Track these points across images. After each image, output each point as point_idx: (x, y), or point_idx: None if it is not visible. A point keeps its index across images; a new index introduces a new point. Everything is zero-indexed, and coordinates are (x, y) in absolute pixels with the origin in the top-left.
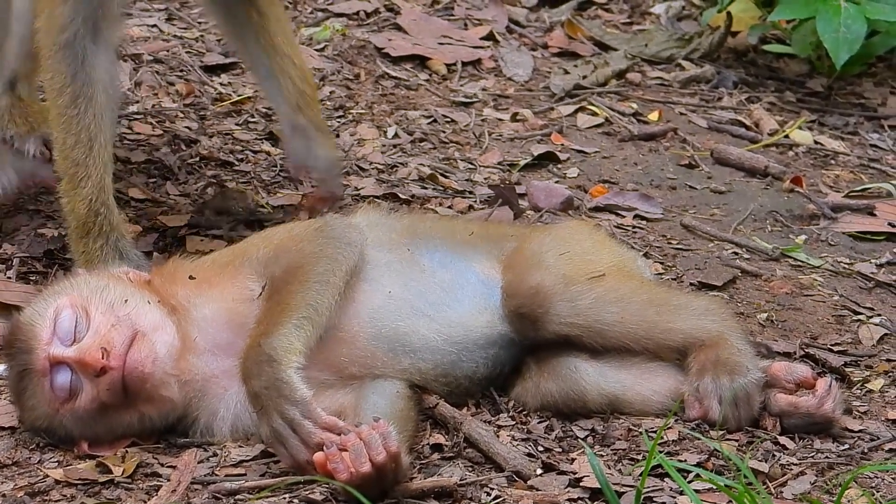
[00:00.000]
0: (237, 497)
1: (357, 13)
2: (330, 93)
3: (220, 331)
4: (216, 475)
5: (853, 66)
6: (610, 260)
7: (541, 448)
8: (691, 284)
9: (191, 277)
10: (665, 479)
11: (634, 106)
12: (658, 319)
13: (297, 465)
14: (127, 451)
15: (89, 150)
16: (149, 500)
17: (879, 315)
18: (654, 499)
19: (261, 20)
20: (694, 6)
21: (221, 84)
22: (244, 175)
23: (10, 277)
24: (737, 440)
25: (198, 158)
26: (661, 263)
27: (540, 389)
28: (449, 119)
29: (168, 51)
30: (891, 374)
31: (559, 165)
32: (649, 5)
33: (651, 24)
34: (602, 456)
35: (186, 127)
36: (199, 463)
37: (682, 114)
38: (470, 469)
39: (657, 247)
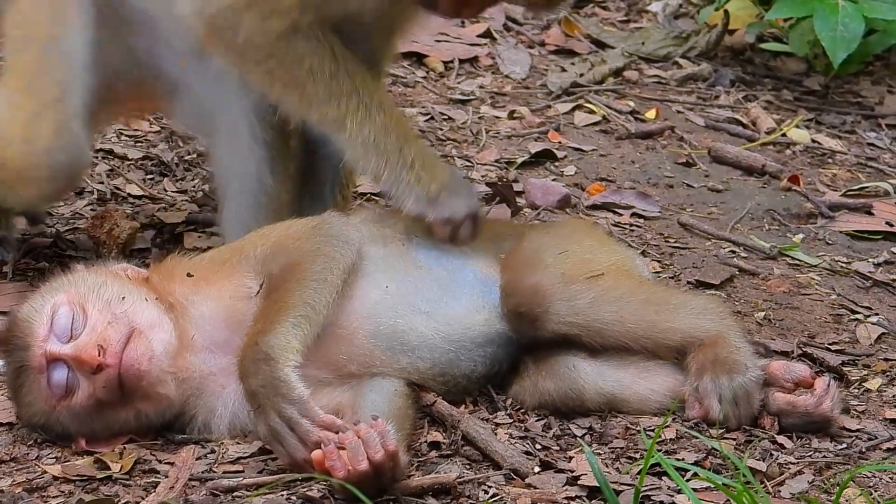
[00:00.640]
0: (235, 494)
1: None
2: None
3: (218, 328)
4: (214, 472)
5: (850, 65)
6: (608, 259)
7: (539, 446)
8: (689, 283)
9: (188, 275)
10: (663, 478)
11: (632, 104)
12: (656, 318)
13: (295, 464)
14: (125, 448)
15: None
16: (146, 496)
17: (877, 314)
18: (652, 497)
19: None
20: (691, 4)
21: None
22: None
23: (5, 272)
24: (735, 439)
25: (195, 155)
26: (659, 262)
27: (538, 388)
28: (446, 116)
29: None
30: (888, 373)
31: (556, 163)
32: (646, 3)
33: (648, 22)
34: (600, 454)
35: None
36: (196, 460)
37: (679, 112)
38: (468, 467)
39: (654, 245)
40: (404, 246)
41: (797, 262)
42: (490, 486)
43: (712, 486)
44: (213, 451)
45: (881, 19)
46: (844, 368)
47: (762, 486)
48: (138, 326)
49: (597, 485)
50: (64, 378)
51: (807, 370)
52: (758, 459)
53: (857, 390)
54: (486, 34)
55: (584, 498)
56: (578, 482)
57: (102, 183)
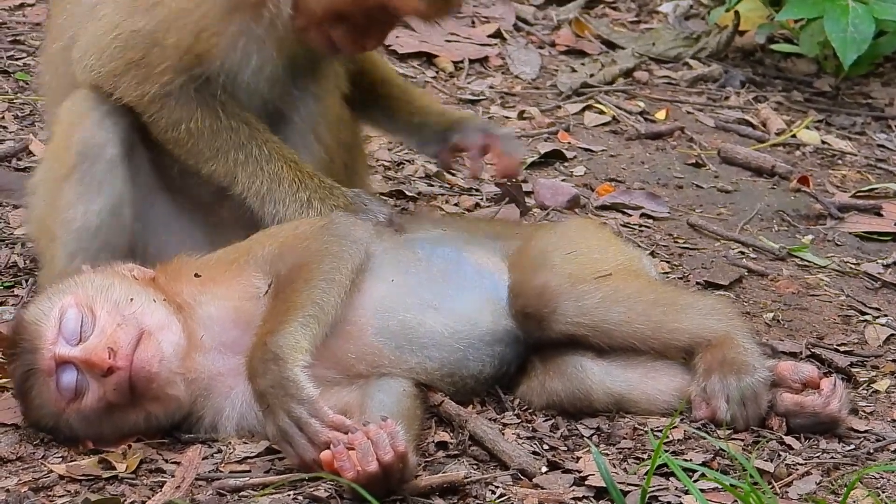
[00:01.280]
0: (241, 494)
1: None
2: None
3: (226, 329)
4: (220, 471)
5: (861, 66)
6: (616, 259)
7: (546, 446)
8: (697, 283)
9: (196, 275)
10: (670, 479)
11: (641, 104)
12: (664, 319)
13: (304, 464)
14: (130, 447)
15: None
16: (153, 495)
17: (886, 315)
18: (660, 498)
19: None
20: (702, 5)
21: None
22: None
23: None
24: (742, 440)
25: None
26: (668, 262)
27: (545, 388)
28: None
29: None
30: None
31: (566, 163)
32: (657, 4)
33: (658, 22)
34: (607, 455)
35: None
36: (203, 459)
37: (689, 113)
38: (475, 467)
39: (663, 246)
40: (400, 238)
41: (806, 263)
42: (497, 487)
43: (720, 486)
44: (219, 451)
45: (891, 21)
46: (853, 369)
47: (770, 486)
48: (148, 328)
49: (604, 485)
50: (73, 381)
51: (815, 371)
52: (765, 460)
53: (865, 391)
54: (497, 34)
55: (592, 498)
56: (586, 482)
57: None
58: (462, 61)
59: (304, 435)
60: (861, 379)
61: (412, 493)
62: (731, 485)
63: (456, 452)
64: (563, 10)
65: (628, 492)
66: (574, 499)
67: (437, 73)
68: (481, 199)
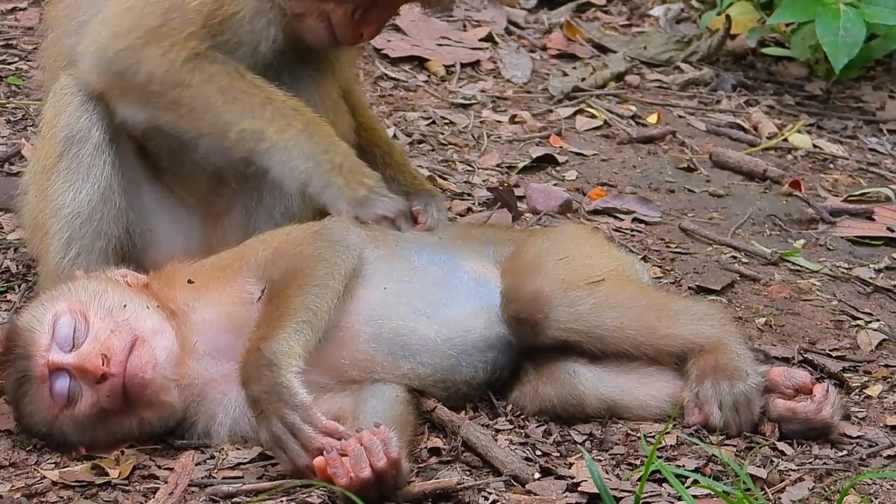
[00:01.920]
0: (234, 500)
1: None
2: None
3: (220, 334)
4: (213, 477)
5: (852, 70)
6: (609, 264)
7: (539, 452)
8: (690, 288)
9: (189, 281)
10: (663, 485)
11: (633, 108)
12: (657, 325)
13: (297, 470)
14: (123, 453)
15: None
16: (146, 501)
17: (878, 320)
18: None
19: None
20: (693, 9)
21: None
22: None
23: None
24: (735, 446)
25: None
26: (660, 267)
27: (538, 394)
28: (448, 121)
29: None
30: (889, 379)
31: (558, 168)
32: (648, 8)
33: (650, 26)
34: (600, 461)
35: None
36: (196, 465)
37: (680, 117)
38: (468, 473)
39: (655, 250)
40: (396, 245)
41: (798, 267)
42: (490, 493)
43: (712, 493)
44: (212, 457)
45: (882, 24)
46: (845, 375)
47: (762, 493)
48: (141, 334)
49: (597, 491)
50: (66, 387)
51: (807, 376)
52: (758, 466)
53: (857, 397)
54: (488, 38)
55: None
56: (578, 489)
57: None
58: (454, 65)
59: (297, 441)
60: (853, 384)
61: (405, 500)
62: (724, 491)
63: (449, 458)
64: (554, 14)
65: (621, 498)
66: None
67: (428, 76)
68: (473, 203)
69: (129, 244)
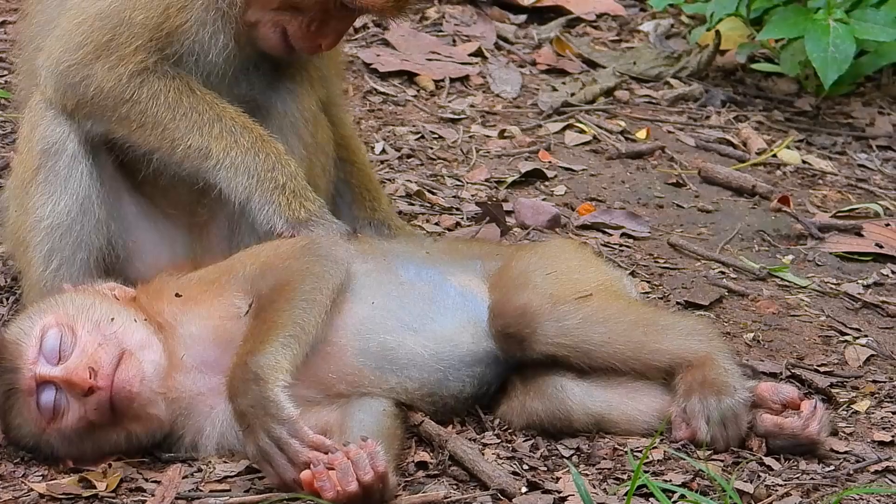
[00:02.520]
0: None
1: None
2: None
3: (207, 348)
4: (200, 490)
5: (841, 86)
6: (597, 279)
7: (526, 466)
8: (678, 304)
9: (177, 295)
10: (650, 499)
11: (622, 124)
12: (645, 340)
13: (284, 484)
14: (111, 466)
15: None
16: None
17: (866, 336)
18: None
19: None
20: (683, 24)
21: None
22: None
23: None
24: (722, 460)
25: None
26: (648, 282)
27: (525, 408)
28: (436, 135)
29: None
30: (877, 395)
31: (546, 183)
32: (638, 23)
33: (639, 42)
34: (587, 475)
35: None
36: (183, 478)
37: (669, 132)
38: (455, 487)
39: (644, 265)
40: (385, 260)
41: (786, 283)
42: None
43: None
44: (199, 470)
45: (872, 40)
46: (833, 390)
47: None
48: (129, 348)
49: None
50: (53, 400)
51: (795, 392)
52: (745, 481)
53: (845, 412)
54: (478, 53)
55: None
56: (565, 503)
57: None
58: (443, 80)
59: (283, 455)
60: (841, 399)
61: None
62: None
63: (436, 472)
64: (543, 29)
65: None
66: None
67: (417, 91)
68: (462, 218)
69: (112, 255)
